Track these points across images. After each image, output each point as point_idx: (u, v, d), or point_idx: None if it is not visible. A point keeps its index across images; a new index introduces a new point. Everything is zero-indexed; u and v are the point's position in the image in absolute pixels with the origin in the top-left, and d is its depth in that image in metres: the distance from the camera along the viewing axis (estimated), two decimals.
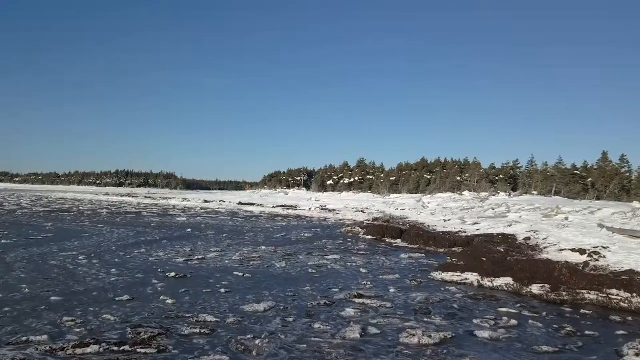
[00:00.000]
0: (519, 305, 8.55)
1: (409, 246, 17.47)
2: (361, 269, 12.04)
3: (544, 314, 8.02)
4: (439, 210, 34.20)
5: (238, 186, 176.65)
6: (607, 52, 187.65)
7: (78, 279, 9.98)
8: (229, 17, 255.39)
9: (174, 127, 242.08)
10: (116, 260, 12.53)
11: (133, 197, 72.72)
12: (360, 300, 8.53)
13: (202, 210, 41.16)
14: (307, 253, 14.87)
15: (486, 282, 10.33)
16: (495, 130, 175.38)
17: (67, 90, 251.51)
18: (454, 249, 16.31)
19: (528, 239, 16.80)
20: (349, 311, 7.75)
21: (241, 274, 10.91)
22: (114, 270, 11.05)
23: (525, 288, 9.72)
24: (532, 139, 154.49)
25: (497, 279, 10.35)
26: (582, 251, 13.47)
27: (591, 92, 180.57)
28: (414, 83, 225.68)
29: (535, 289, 9.57)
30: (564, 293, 9.19)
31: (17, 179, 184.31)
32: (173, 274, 10.58)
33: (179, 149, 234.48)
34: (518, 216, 22.85)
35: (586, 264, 11.90)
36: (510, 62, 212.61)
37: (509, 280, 10.21)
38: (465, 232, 19.88)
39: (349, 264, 12.99)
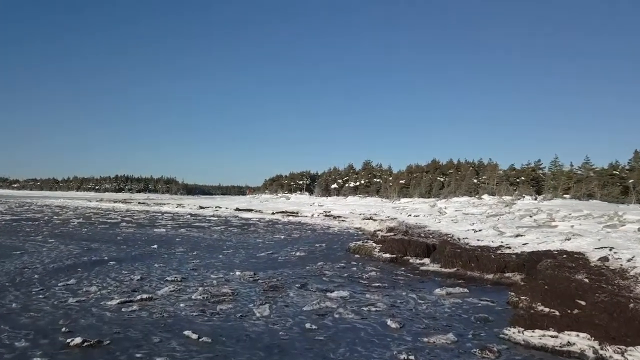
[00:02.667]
0: None
1: (442, 270, 13.15)
2: (387, 321, 7.72)
3: None
4: (461, 217, 29.82)
5: (240, 191, 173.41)
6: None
7: None
8: (230, 18, 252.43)
9: (175, 131, 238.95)
10: (14, 305, 8.27)
11: (126, 203, 69.33)
12: None
13: (193, 218, 37.07)
14: (301, 285, 10.58)
15: (612, 355, 6.01)
16: (508, 131, 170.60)
17: (66, 96, 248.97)
18: (507, 275, 11.99)
19: (605, 259, 12.44)
20: None
21: (196, 336, 6.66)
22: None
23: None
24: (548, 139, 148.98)
25: (629, 347, 6.03)
26: None
27: (610, 89, 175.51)
28: (419, 81, 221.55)
29: None
30: None
31: (15, 185, 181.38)
32: (78, 340, 6.33)
33: (181, 154, 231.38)
34: (569, 225, 18.49)
35: None
36: (520, 57, 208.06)
37: None
38: (510, 248, 15.54)
39: (364, 308, 8.67)
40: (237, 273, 11.77)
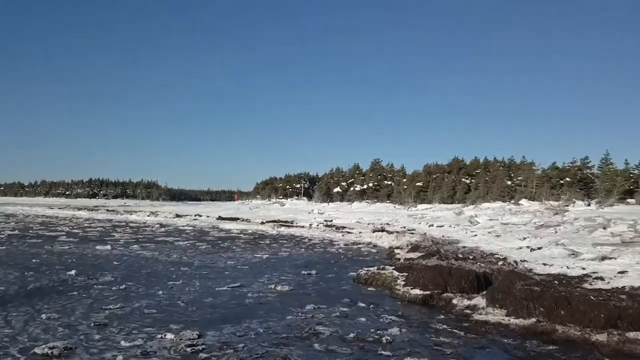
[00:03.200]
0: None
1: (509, 321, 8.99)
2: None
3: None
4: (500, 228, 25.68)
5: (231, 196, 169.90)
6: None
7: None
8: (219, 12, 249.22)
9: (159, 130, 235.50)
10: None
11: (93, 210, 65.85)
12: None
13: (161, 230, 33.10)
14: None
15: None
16: (540, 123, 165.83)
17: (34, 90, 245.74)
18: (630, 336, 7.79)
19: None
20: None
21: None
22: None
23: None
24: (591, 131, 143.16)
25: None
26: None
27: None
28: (434, 70, 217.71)
29: None
30: None
31: None
32: None
33: (165, 155, 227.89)
34: None
35: None
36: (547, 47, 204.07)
37: None
38: (603, 279, 11.39)
39: None
40: (169, 335, 7.63)
